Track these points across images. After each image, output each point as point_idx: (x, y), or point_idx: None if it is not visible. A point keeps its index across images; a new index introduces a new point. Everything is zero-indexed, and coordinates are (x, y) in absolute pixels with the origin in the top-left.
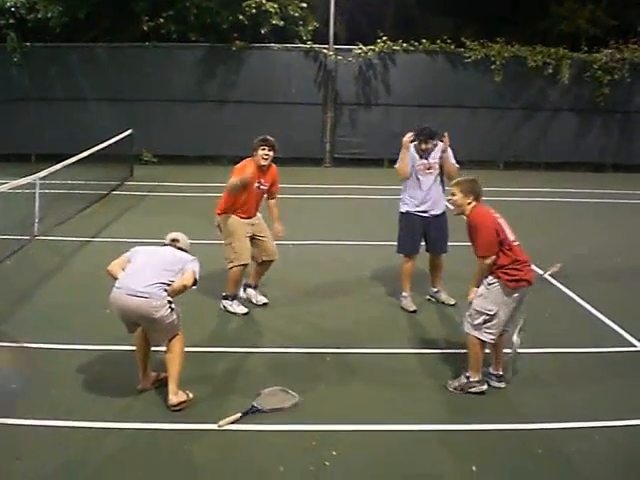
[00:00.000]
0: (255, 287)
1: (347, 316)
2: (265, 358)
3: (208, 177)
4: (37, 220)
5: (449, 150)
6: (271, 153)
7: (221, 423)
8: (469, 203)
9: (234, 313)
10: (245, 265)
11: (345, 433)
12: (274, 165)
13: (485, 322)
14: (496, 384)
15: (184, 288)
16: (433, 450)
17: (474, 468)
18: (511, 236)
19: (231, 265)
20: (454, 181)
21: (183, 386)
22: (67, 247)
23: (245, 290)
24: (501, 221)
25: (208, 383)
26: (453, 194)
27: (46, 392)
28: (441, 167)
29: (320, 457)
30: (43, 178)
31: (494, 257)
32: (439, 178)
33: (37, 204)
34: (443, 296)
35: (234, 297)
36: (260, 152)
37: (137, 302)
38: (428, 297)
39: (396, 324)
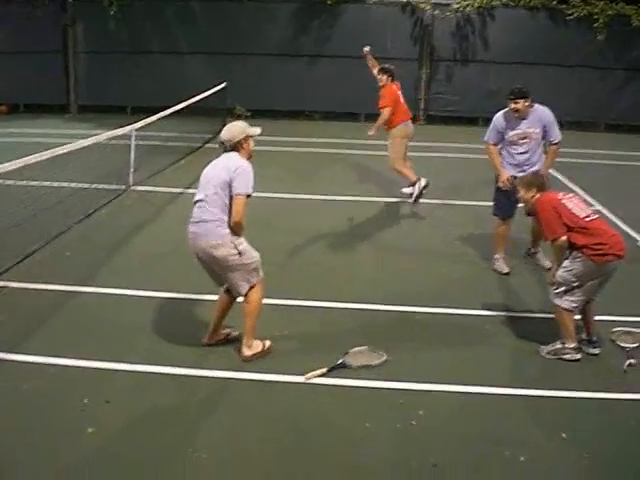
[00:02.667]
0: None
1: (437, 276)
2: (353, 314)
3: (300, 132)
4: (132, 170)
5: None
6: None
7: (307, 376)
8: (532, 196)
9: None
10: None
11: (433, 393)
12: None
13: (567, 292)
14: (590, 350)
15: (238, 226)
16: (522, 415)
17: (564, 435)
18: (583, 213)
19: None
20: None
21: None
22: (161, 197)
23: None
24: (568, 202)
25: (294, 337)
26: (518, 191)
27: (134, 338)
28: (543, 137)
29: (407, 416)
30: (138, 130)
31: (564, 238)
32: (537, 144)
33: (132, 155)
34: (540, 257)
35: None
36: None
37: (198, 241)
38: (525, 254)
39: (488, 286)
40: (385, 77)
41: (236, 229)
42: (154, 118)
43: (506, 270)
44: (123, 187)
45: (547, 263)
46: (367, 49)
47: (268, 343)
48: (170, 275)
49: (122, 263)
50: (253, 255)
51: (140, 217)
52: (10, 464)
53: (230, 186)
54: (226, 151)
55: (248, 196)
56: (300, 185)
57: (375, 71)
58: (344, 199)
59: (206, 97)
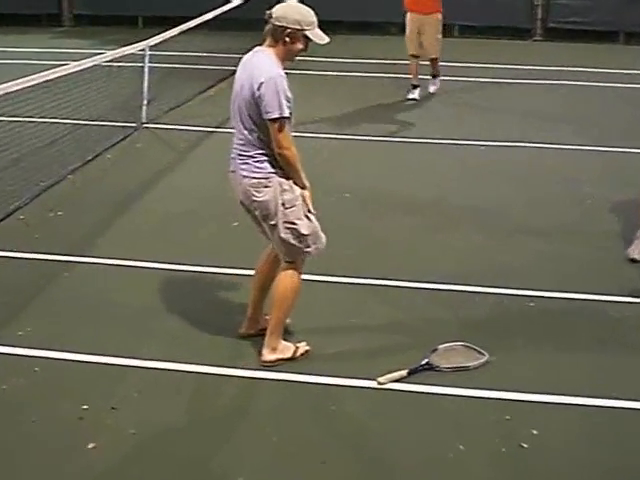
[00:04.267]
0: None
1: (557, 249)
2: (440, 298)
3: (370, 50)
4: (146, 102)
5: None
6: None
7: (381, 380)
8: None
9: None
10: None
11: (550, 407)
12: None
13: None
14: None
15: (284, 159)
16: None
17: None
18: None
19: None
20: None
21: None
22: (182, 139)
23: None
24: None
25: (362, 328)
26: None
27: (146, 326)
28: None
29: (515, 436)
30: (154, 47)
31: None
32: None
33: (146, 81)
34: None
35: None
36: None
37: (237, 184)
38: None
39: (627, 268)
40: None
41: (283, 163)
42: (174, 32)
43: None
44: (133, 125)
45: None
46: None
47: (303, 347)
48: (193, 242)
49: (130, 226)
50: (302, 215)
51: (155, 164)
52: None
53: (258, 106)
54: (264, 38)
55: (285, 118)
56: (365, 123)
57: None
58: (423, 141)
59: (243, 3)
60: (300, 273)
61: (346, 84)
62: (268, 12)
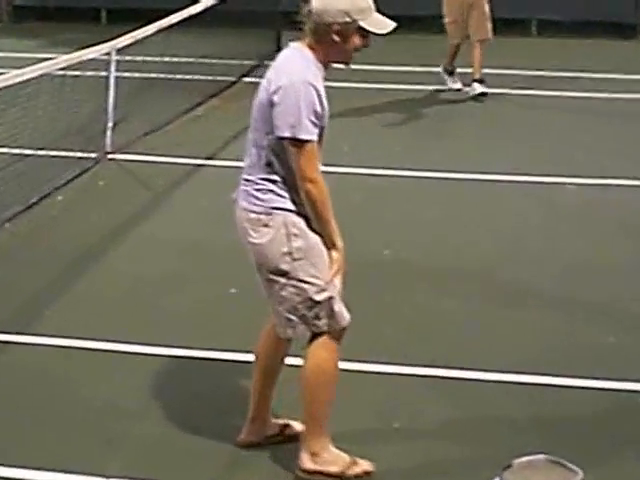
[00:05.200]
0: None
1: None
2: (512, 392)
3: (419, 52)
4: (111, 125)
5: None
6: None
7: None
8: None
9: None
10: None
11: None
12: None
13: None
14: None
15: (310, 199)
16: None
17: None
18: None
19: None
20: None
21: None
22: (162, 175)
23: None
24: None
25: (407, 436)
26: None
27: (117, 432)
28: None
29: None
30: (122, 51)
31: None
32: None
33: (112, 97)
34: None
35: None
36: None
37: (236, 214)
38: None
39: None
40: None
41: (307, 204)
42: (149, 30)
43: None
44: (94, 155)
45: None
46: None
47: (365, 465)
48: (174, 316)
49: (89, 292)
50: (317, 273)
51: (124, 209)
52: None
53: (270, 117)
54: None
55: (305, 141)
56: (411, 154)
57: None
58: (487, 178)
59: None
60: (337, 344)
61: (384, 100)
62: (305, 6)
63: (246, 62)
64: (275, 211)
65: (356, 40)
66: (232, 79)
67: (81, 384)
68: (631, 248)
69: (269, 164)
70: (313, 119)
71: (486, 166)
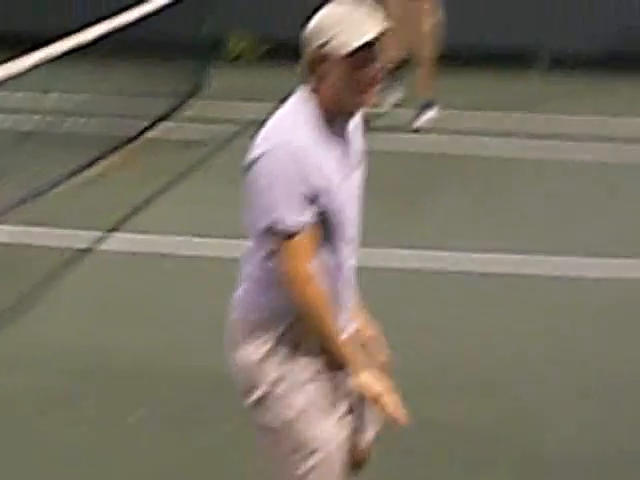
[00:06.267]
0: None
1: None
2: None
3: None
4: None
5: None
6: None
7: None
8: None
9: None
10: None
11: None
12: None
13: None
14: None
15: (297, 303)
16: None
17: None
18: None
19: None
20: None
21: None
22: (41, 259)
23: None
24: None
25: None
26: None
27: None
28: None
29: None
30: None
31: None
32: None
33: None
34: None
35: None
36: None
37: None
38: None
39: None
40: None
41: (300, 309)
42: (29, 61)
43: None
44: None
45: None
46: None
47: None
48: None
49: None
50: (313, 422)
51: None
52: None
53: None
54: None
55: (289, 236)
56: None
57: None
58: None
59: (155, 14)
60: None
61: (396, 164)
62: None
63: (158, 104)
64: (261, 322)
65: (342, 68)
66: (137, 129)
67: None
68: None
69: (256, 254)
70: (302, 197)
71: (510, 247)
